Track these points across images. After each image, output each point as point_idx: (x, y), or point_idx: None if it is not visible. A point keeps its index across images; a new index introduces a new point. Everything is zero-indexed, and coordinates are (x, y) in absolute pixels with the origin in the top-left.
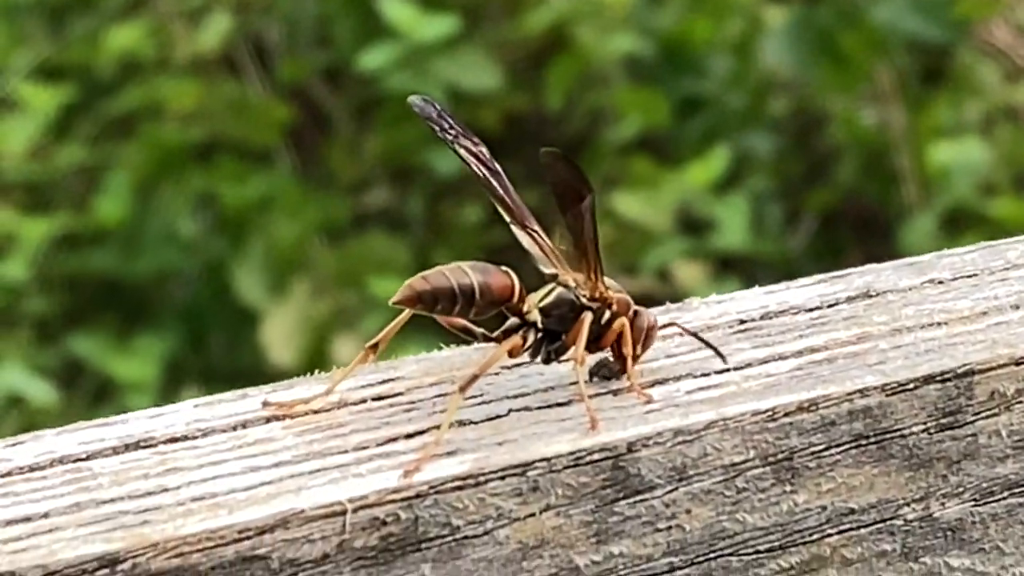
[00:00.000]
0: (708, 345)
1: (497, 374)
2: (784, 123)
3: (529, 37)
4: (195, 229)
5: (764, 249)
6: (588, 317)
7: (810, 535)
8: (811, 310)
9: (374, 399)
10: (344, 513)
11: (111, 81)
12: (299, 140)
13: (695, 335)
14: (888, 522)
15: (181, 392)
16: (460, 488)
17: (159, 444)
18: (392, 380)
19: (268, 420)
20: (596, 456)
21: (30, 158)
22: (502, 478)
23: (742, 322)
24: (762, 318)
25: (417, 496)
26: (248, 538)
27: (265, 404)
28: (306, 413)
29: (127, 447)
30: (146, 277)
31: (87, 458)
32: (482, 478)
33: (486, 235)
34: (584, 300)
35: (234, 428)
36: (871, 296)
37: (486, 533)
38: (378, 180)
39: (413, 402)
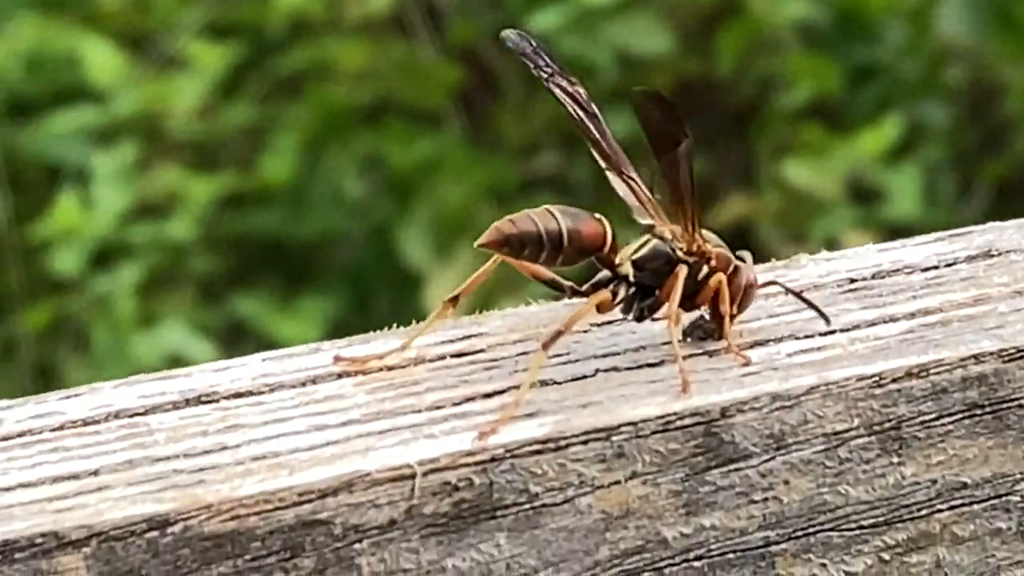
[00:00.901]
0: (810, 304)
1: (586, 332)
2: (960, 93)
3: (701, 2)
4: (361, 191)
5: (936, 219)
6: (683, 271)
7: (918, 510)
8: (927, 270)
9: (453, 356)
10: (413, 476)
11: (280, 40)
12: (468, 102)
13: (796, 294)
14: (1004, 498)
15: None
16: (539, 452)
17: (222, 399)
18: (475, 336)
19: (340, 376)
20: (687, 421)
21: (198, 117)
22: (584, 443)
23: (852, 281)
24: (873, 277)
25: (492, 460)
26: (309, 501)
27: (337, 359)
28: (380, 369)
29: (188, 402)
30: (311, 238)
31: (145, 413)
32: (563, 442)
33: None
34: (680, 253)
35: (303, 384)
36: (992, 256)
37: (566, 501)
38: (547, 144)
39: (495, 360)
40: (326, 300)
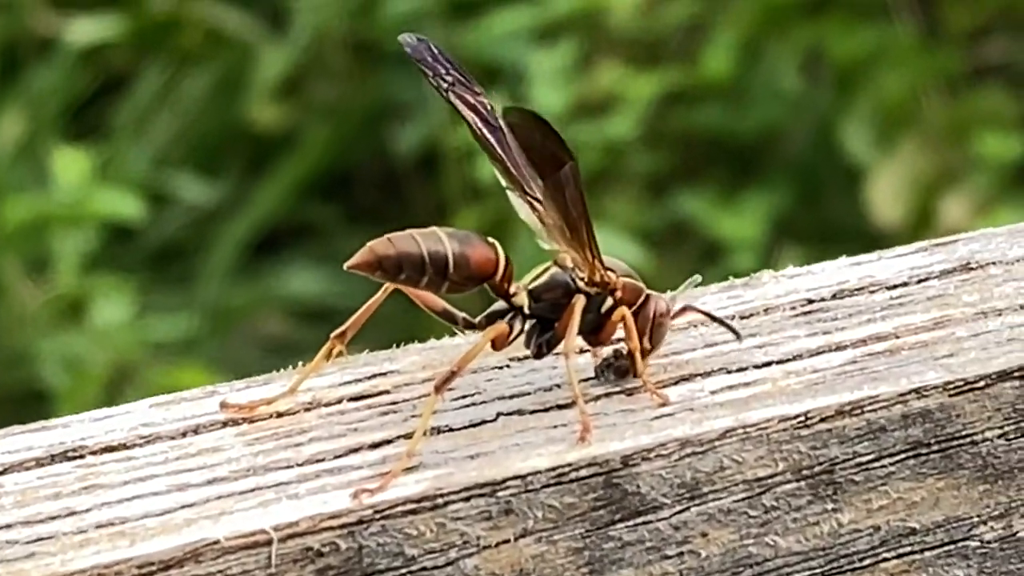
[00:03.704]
0: (720, 322)
1: (504, 368)
2: None
3: None
4: (801, 85)
5: None
6: (580, 302)
7: (860, 560)
8: (894, 287)
9: (351, 399)
10: (270, 543)
11: None
12: None
13: (708, 314)
14: (960, 543)
15: (784, 252)
16: (414, 512)
17: (89, 455)
18: (382, 375)
19: (225, 424)
20: (583, 472)
21: (639, 14)
22: (466, 499)
23: (809, 302)
24: (833, 297)
25: (360, 522)
26: (151, 574)
27: (223, 406)
28: (269, 416)
29: (52, 458)
30: (752, 134)
31: (2, 472)
32: (440, 500)
33: None
34: (581, 284)
35: (183, 434)
36: (971, 269)
37: (449, 564)
38: (997, 29)
39: (395, 403)
40: (770, 196)
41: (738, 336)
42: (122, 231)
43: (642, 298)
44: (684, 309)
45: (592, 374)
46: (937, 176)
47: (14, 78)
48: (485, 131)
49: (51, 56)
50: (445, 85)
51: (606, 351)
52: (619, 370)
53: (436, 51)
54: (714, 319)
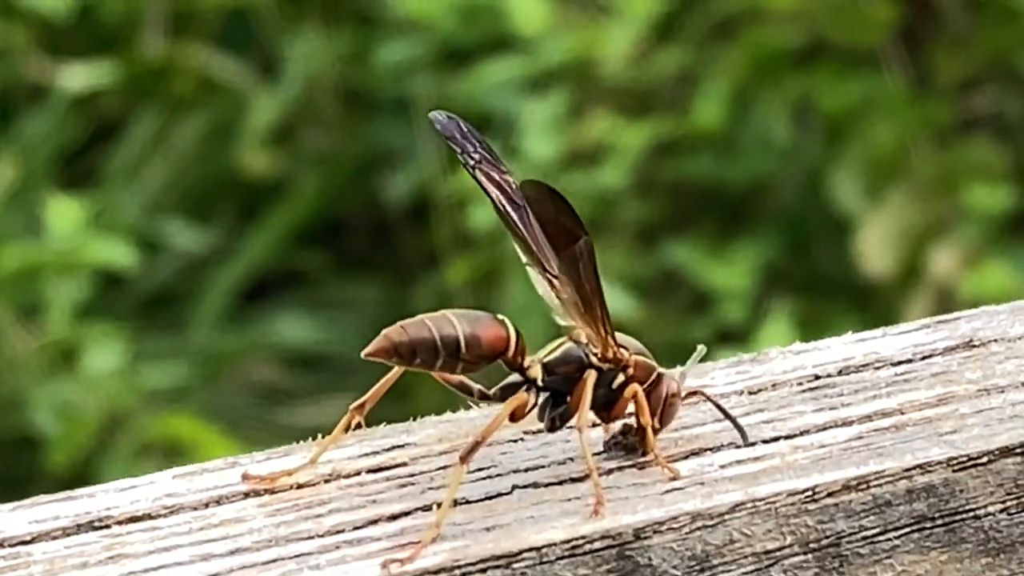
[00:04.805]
0: (731, 420)
1: (519, 441)
2: None
3: None
4: (792, 135)
5: None
6: (591, 377)
7: None
8: (899, 363)
9: (370, 471)
10: None
11: None
12: (908, 40)
13: (719, 407)
14: None
15: (773, 302)
16: None
17: (115, 524)
18: (400, 447)
19: (247, 495)
20: (597, 545)
21: (631, 63)
22: (483, 571)
23: (816, 378)
24: (840, 373)
25: None
26: None
27: (245, 477)
28: (290, 487)
29: (79, 528)
30: (743, 184)
31: (31, 541)
32: (457, 571)
33: None
34: (594, 359)
35: (206, 505)
36: (973, 347)
37: None
38: (986, 80)
39: (412, 475)
40: (760, 246)
41: (744, 438)
42: (113, 277)
43: (653, 376)
44: (694, 393)
45: (602, 448)
46: (926, 227)
47: (6, 125)
48: (508, 208)
49: (43, 103)
50: (472, 162)
51: (615, 426)
52: (628, 447)
53: (465, 129)
54: (725, 414)
